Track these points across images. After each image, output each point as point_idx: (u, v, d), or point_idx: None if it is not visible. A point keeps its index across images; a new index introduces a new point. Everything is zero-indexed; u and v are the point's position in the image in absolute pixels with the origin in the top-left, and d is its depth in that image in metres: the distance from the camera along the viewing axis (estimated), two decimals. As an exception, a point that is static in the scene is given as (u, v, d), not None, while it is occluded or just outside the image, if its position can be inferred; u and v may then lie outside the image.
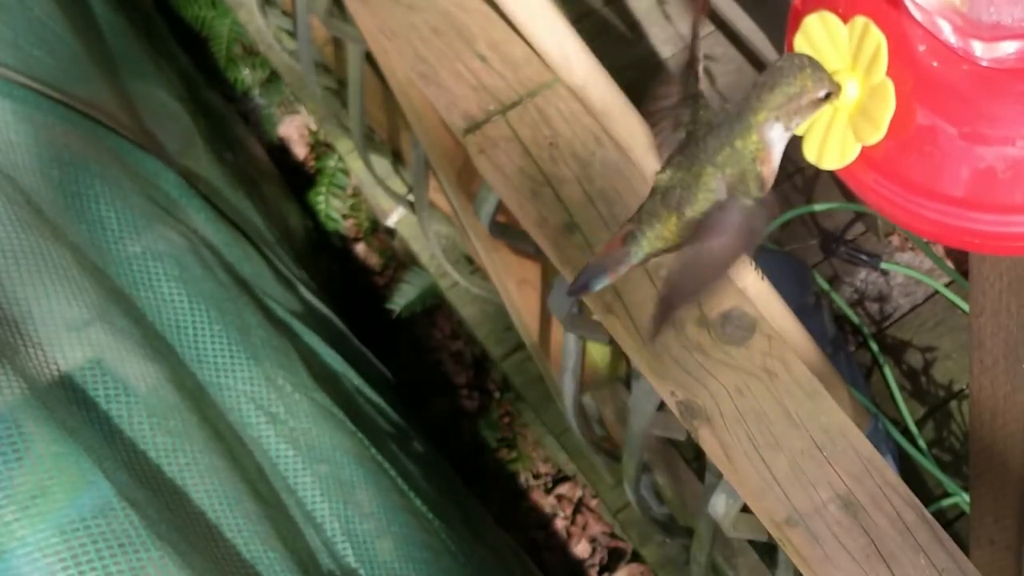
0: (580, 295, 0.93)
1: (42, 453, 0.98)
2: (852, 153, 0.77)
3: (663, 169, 0.85)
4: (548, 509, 1.94)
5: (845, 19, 0.76)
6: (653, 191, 0.85)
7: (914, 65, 0.75)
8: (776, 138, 0.80)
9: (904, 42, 0.76)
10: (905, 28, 0.76)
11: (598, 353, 1.54)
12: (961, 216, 0.74)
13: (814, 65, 0.77)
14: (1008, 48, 0.73)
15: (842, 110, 0.76)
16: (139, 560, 0.96)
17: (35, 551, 0.94)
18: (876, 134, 0.75)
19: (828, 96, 0.78)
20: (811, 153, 0.78)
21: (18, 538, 0.94)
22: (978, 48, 0.74)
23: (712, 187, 0.82)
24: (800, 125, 0.80)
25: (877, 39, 0.74)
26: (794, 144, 0.80)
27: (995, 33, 0.72)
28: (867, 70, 0.75)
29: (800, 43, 0.78)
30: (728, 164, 0.81)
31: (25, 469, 0.96)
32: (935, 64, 0.75)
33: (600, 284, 0.88)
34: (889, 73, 0.74)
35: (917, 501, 0.96)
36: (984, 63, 0.74)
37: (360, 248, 2.24)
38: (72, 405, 1.08)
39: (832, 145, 0.77)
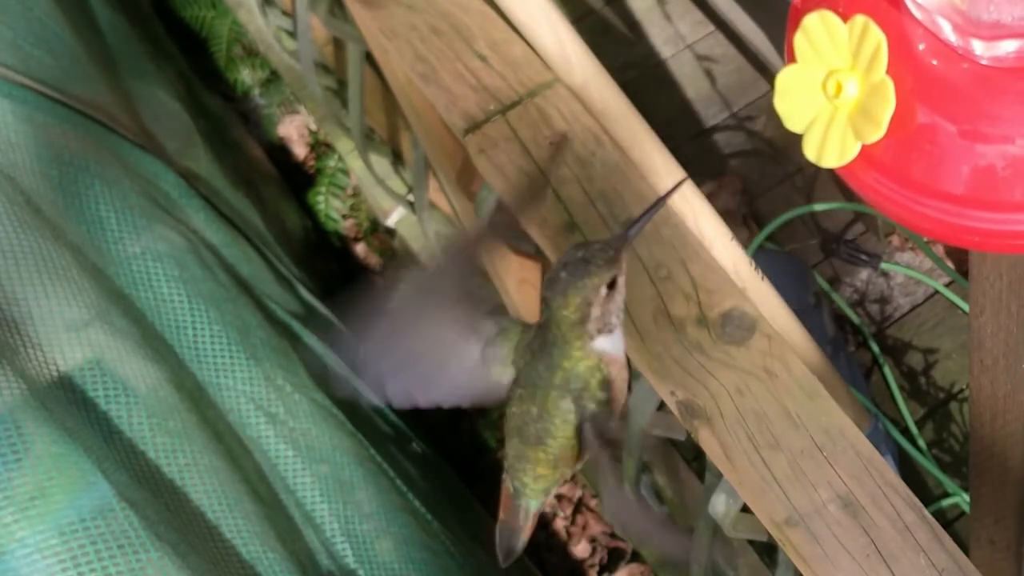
0: (511, 561, 0.89)
1: (41, 454, 0.98)
2: (852, 152, 0.76)
3: (508, 406, 0.81)
4: (548, 509, 1.94)
5: (845, 18, 0.76)
6: (508, 433, 0.82)
7: (914, 64, 0.75)
8: (604, 344, 0.78)
9: (904, 41, 0.76)
10: (905, 27, 0.76)
11: (598, 353, 1.54)
12: (961, 214, 0.74)
13: (587, 259, 0.75)
14: (1008, 47, 0.73)
15: (842, 109, 0.76)
16: (139, 561, 0.96)
17: (35, 552, 0.94)
18: (876, 132, 0.75)
19: (615, 280, 0.76)
20: (811, 152, 0.78)
21: (18, 539, 0.94)
22: (978, 47, 0.74)
23: (566, 408, 0.79)
24: (618, 322, 0.78)
25: (877, 38, 0.74)
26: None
27: (995, 32, 0.72)
28: (867, 69, 0.75)
29: (800, 42, 0.78)
30: (570, 382, 0.78)
31: (25, 470, 0.96)
32: (935, 63, 0.75)
33: (522, 541, 0.85)
34: (889, 72, 0.74)
35: (917, 501, 0.96)
36: (984, 62, 0.74)
37: (360, 248, 2.24)
38: (72, 405, 1.08)
39: (832, 144, 0.77)
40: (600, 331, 0.77)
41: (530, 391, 0.80)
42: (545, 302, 0.78)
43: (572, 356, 0.77)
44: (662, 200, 0.79)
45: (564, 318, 0.77)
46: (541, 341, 0.79)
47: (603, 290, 0.76)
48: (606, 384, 0.78)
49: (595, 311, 0.76)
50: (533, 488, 0.83)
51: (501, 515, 0.86)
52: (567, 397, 0.78)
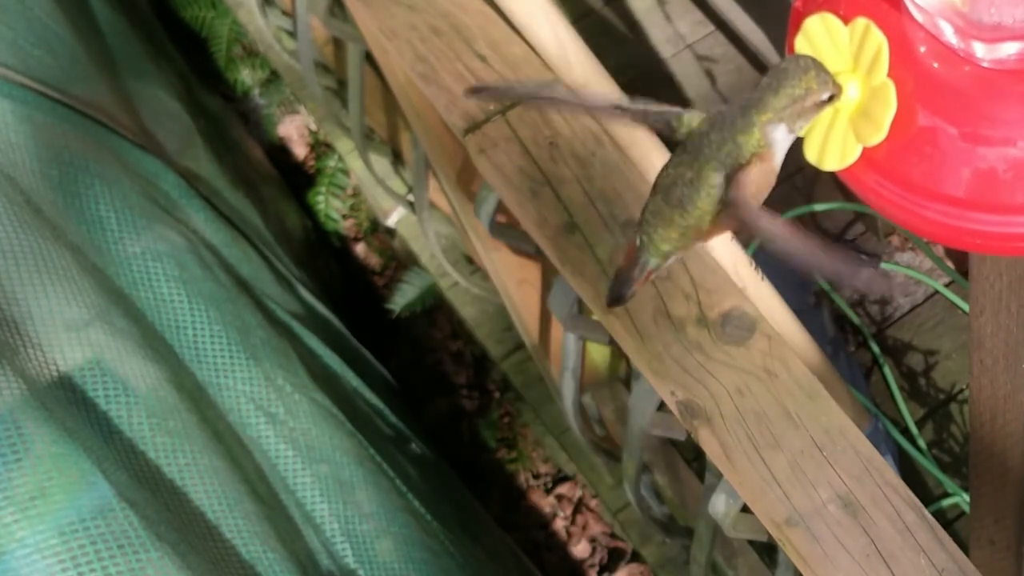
0: (617, 306, 0.94)
1: (41, 454, 0.98)
2: (853, 154, 0.76)
3: (666, 167, 0.84)
4: (548, 509, 1.94)
5: (846, 20, 0.76)
6: (655, 188, 0.84)
7: (915, 66, 0.75)
8: (779, 138, 0.79)
9: (905, 43, 0.76)
10: (906, 29, 0.76)
11: (598, 353, 1.54)
12: (962, 217, 0.74)
13: (818, 67, 0.77)
14: (1009, 49, 0.73)
15: (843, 111, 0.76)
16: (138, 561, 0.96)
17: (35, 552, 0.94)
18: (877, 135, 0.75)
19: (831, 98, 0.78)
20: (812, 154, 0.78)
21: (18, 539, 0.94)
22: (979, 49, 0.73)
23: (714, 183, 0.81)
24: (804, 127, 0.79)
25: (878, 40, 0.74)
26: (795, 144, 0.80)
27: (996, 34, 0.72)
28: (868, 71, 0.75)
29: (801, 44, 0.78)
30: (730, 159, 0.80)
31: (24, 470, 0.96)
32: (936, 65, 0.75)
33: (631, 292, 0.88)
34: (890, 74, 0.74)
35: (917, 501, 0.96)
36: (985, 64, 0.74)
37: (360, 248, 2.24)
38: (72, 405, 1.08)
39: (833, 146, 0.77)
40: (789, 127, 0.79)
41: (692, 156, 0.82)
42: (767, 82, 0.79)
43: (750, 132, 0.79)
44: None
45: (783, 95, 0.78)
46: (725, 117, 0.81)
47: (824, 96, 0.77)
48: (755, 163, 0.80)
49: (801, 106, 0.78)
50: (658, 246, 0.85)
51: (623, 263, 0.89)
52: (721, 172, 0.80)
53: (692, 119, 0.83)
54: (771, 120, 0.79)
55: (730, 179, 0.80)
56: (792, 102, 0.78)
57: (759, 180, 0.81)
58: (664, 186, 0.84)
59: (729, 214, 0.82)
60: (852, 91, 0.76)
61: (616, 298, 0.89)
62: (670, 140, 0.85)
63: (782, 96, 0.78)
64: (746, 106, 0.79)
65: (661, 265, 0.87)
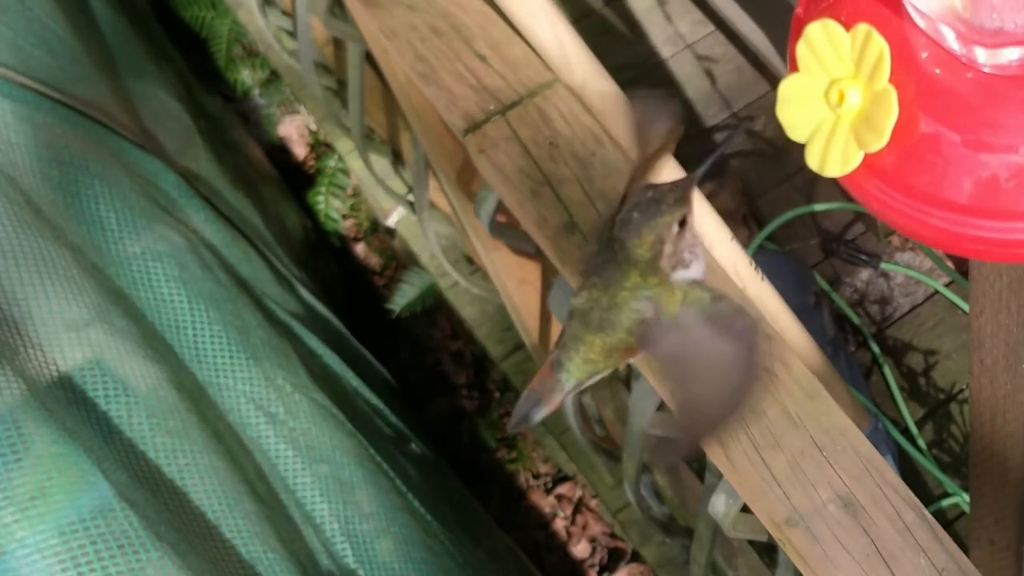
0: (521, 428, 0.90)
1: (41, 454, 0.98)
2: (855, 161, 0.76)
3: (579, 292, 0.84)
4: (548, 509, 1.94)
5: (847, 26, 0.75)
6: (571, 314, 0.84)
7: (917, 72, 0.75)
8: (681, 274, 0.80)
9: (907, 49, 0.75)
10: (908, 35, 0.76)
11: (598, 353, 1.54)
12: (965, 223, 0.74)
13: (657, 200, 0.78)
14: (1011, 55, 0.73)
15: (844, 118, 0.76)
16: (139, 561, 0.96)
17: (35, 552, 0.94)
18: (879, 142, 0.75)
19: (685, 218, 0.79)
20: (813, 161, 0.78)
21: (18, 539, 0.94)
22: (981, 55, 0.73)
23: (634, 307, 0.81)
24: (688, 252, 0.80)
25: (880, 46, 0.74)
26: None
27: (998, 40, 0.72)
28: (870, 77, 0.75)
29: (802, 51, 0.77)
30: (642, 288, 0.81)
31: (24, 470, 0.96)
32: (938, 71, 0.75)
33: (540, 414, 0.87)
34: (892, 80, 0.74)
35: (917, 501, 0.96)
36: (987, 70, 0.74)
37: (360, 248, 2.24)
38: (72, 405, 1.08)
39: (834, 153, 0.77)
40: (674, 268, 0.80)
41: (604, 282, 0.82)
42: (619, 242, 0.80)
43: (648, 283, 0.80)
44: (727, 143, 0.82)
45: (639, 256, 0.79)
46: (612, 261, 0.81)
47: (675, 228, 0.79)
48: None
49: (668, 248, 0.79)
50: (579, 367, 0.85)
51: (532, 383, 0.88)
52: (640, 299, 0.81)
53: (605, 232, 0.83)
54: (659, 274, 0.80)
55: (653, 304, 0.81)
56: (658, 251, 0.79)
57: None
58: (581, 311, 0.83)
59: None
60: (854, 97, 0.76)
61: (522, 419, 0.87)
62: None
63: (646, 254, 0.79)
64: (621, 252, 0.80)
65: (579, 387, 0.86)
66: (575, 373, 0.85)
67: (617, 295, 0.81)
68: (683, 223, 0.80)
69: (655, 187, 0.80)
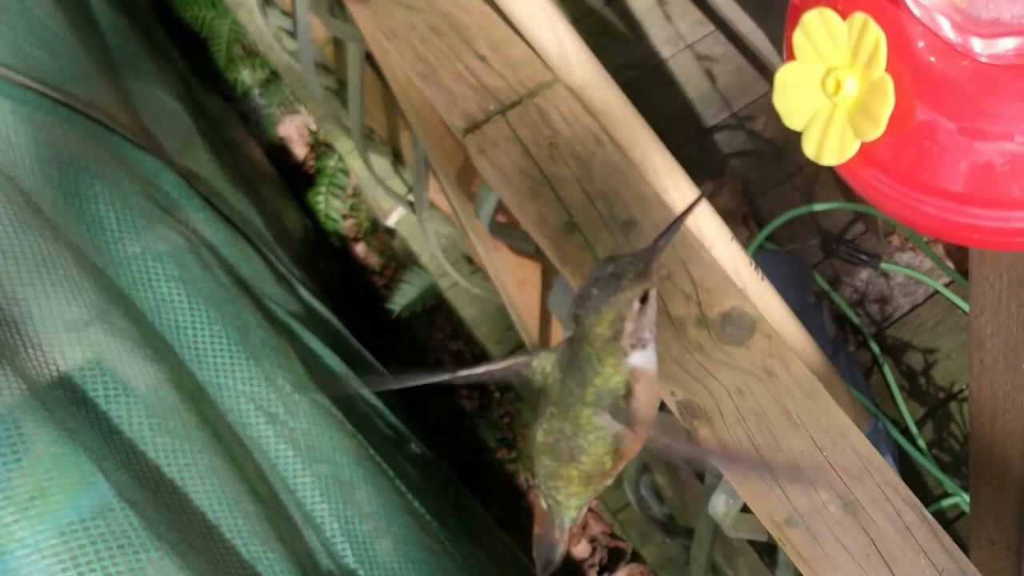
0: (550, 572, 0.87)
1: (41, 454, 0.98)
2: (851, 149, 0.76)
3: (538, 426, 0.81)
4: (548, 509, 1.94)
5: (844, 15, 0.76)
6: (538, 451, 0.81)
7: (913, 61, 0.75)
8: (640, 360, 0.77)
9: (903, 38, 0.76)
10: (904, 24, 0.76)
11: (598, 353, 1.54)
12: (960, 211, 0.74)
13: (618, 274, 0.74)
14: (1007, 44, 0.73)
15: (841, 106, 0.76)
16: (139, 561, 0.96)
17: (34, 552, 0.94)
18: (875, 130, 0.75)
19: (647, 293, 0.75)
20: (810, 149, 0.78)
21: (17, 539, 0.94)
22: (977, 44, 0.74)
23: (599, 425, 0.78)
24: (652, 333, 0.77)
25: (876, 35, 0.74)
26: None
27: (994, 30, 0.72)
28: (866, 66, 0.75)
29: (799, 39, 0.78)
30: (602, 398, 0.77)
31: (24, 470, 0.96)
32: (934, 60, 0.75)
33: (560, 552, 0.85)
34: (888, 69, 0.74)
35: (917, 501, 0.96)
36: (983, 59, 0.74)
37: (360, 248, 2.24)
38: (72, 405, 1.08)
39: (831, 141, 0.77)
40: (634, 346, 0.76)
41: (562, 409, 0.79)
42: (576, 319, 0.76)
43: (604, 373, 0.76)
44: (689, 210, 0.78)
45: (598, 335, 0.75)
46: (571, 356, 0.77)
47: (636, 304, 0.75)
48: (629, 396, 0.77)
49: (629, 326, 0.75)
50: (567, 505, 0.82)
51: (537, 529, 0.85)
52: (602, 414, 0.77)
53: (544, 364, 0.79)
54: (617, 354, 0.76)
55: (616, 413, 0.77)
56: (618, 329, 0.74)
57: (648, 399, 0.78)
58: (547, 445, 0.80)
59: (632, 443, 0.79)
60: (850, 86, 0.76)
61: (546, 564, 0.85)
62: (528, 390, 0.82)
63: (605, 333, 0.75)
64: (592, 348, 0.76)
65: (580, 515, 0.83)
66: (569, 511, 0.82)
67: (579, 416, 0.77)
68: (645, 299, 0.75)
69: (615, 259, 0.76)
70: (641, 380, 0.77)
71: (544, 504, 0.83)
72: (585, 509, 0.84)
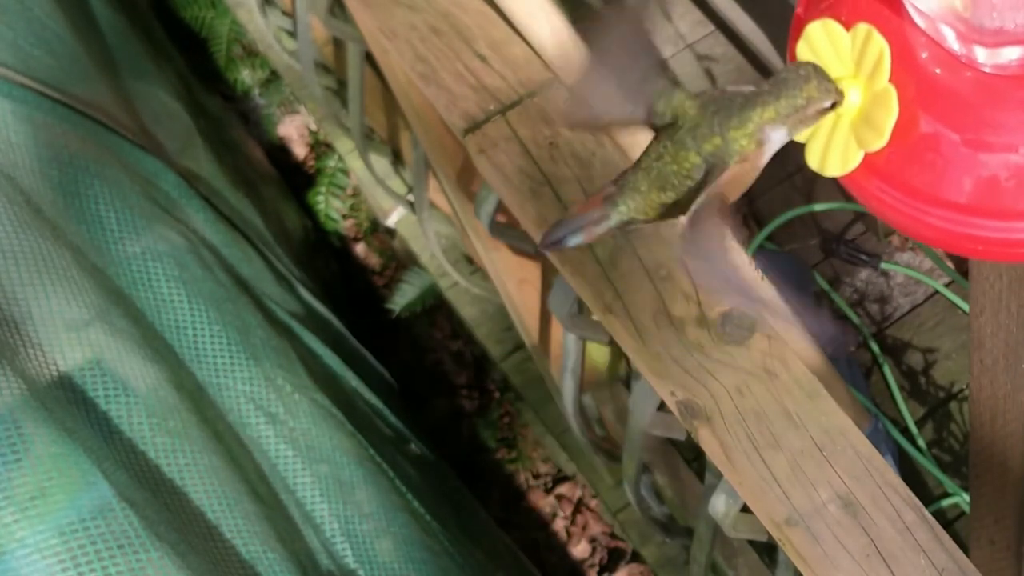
0: (552, 250, 0.90)
1: (41, 454, 0.98)
2: (855, 160, 0.76)
3: (653, 143, 0.83)
4: (548, 509, 1.94)
5: (847, 26, 0.75)
6: (639, 161, 0.84)
7: (917, 72, 0.75)
8: (774, 141, 0.79)
9: (907, 49, 0.75)
10: (908, 35, 0.76)
11: (598, 353, 1.54)
12: (965, 223, 0.74)
13: (819, 74, 0.76)
14: (1011, 54, 0.73)
15: (845, 117, 0.76)
16: (138, 561, 0.96)
17: (35, 552, 0.94)
18: (879, 141, 0.75)
19: (834, 105, 0.77)
20: (813, 160, 0.78)
21: (18, 539, 0.94)
22: (981, 54, 0.73)
23: (694, 175, 0.81)
24: (803, 132, 0.79)
25: (880, 46, 0.74)
26: (795, 144, 0.80)
27: (998, 39, 0.72)
28: (870, 77, 0.75)
29: (802, 50, 0.77)
30: (716, 155, 0.80)
31: (24, 470, 0.96)
32: (938, 71, 0.75)
33: (575, 241, 0.86)
34: (892, 80, 0.74)
35: (917, 501, 0.96)
36: (987, 69, 0.74)
37: (360, 248, 2.24)
38: (72, 405, 1.08)
39: (835, 152, 0.77)
40: (789, 126, 0.78)
41: (677, 143, 0.81)
42: (790, 64, 0.78)
43: (743, 131, 0.78)
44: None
45: (776, 106, 0.77)
46: (716, 109, 0.80)
47: (822, 105, 0.77)
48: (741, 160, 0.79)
49: (801, 113, 0.77)
50: (629, 210, 0.84)
51: (577, 208, 0.87)
52: (703, 166, 0.80)
53: (680, 101, 0.81)
54: (771, 122, 0.78)
55: (710, 172, 0.80)
56: (794, 111, 0.77)
57: (741, 177, 0.81)
58: (647, 162, 0.83)
59: (703, 207, 0.81)
60: (854, 97, 0.76)
61: (556, 242, 0.86)
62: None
63: (784, 104, 0.77)
64: (745, 104, 0.79)
65: (624, 226, 0.85)
66: (624, 214, 0.84)
67: (687, 157, 0.80)
68: (825, 111, 0.77)
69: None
70: (750, 159, 0.80)
71: (610, 193, 0.84)
72: (636, 223, 0.85)
